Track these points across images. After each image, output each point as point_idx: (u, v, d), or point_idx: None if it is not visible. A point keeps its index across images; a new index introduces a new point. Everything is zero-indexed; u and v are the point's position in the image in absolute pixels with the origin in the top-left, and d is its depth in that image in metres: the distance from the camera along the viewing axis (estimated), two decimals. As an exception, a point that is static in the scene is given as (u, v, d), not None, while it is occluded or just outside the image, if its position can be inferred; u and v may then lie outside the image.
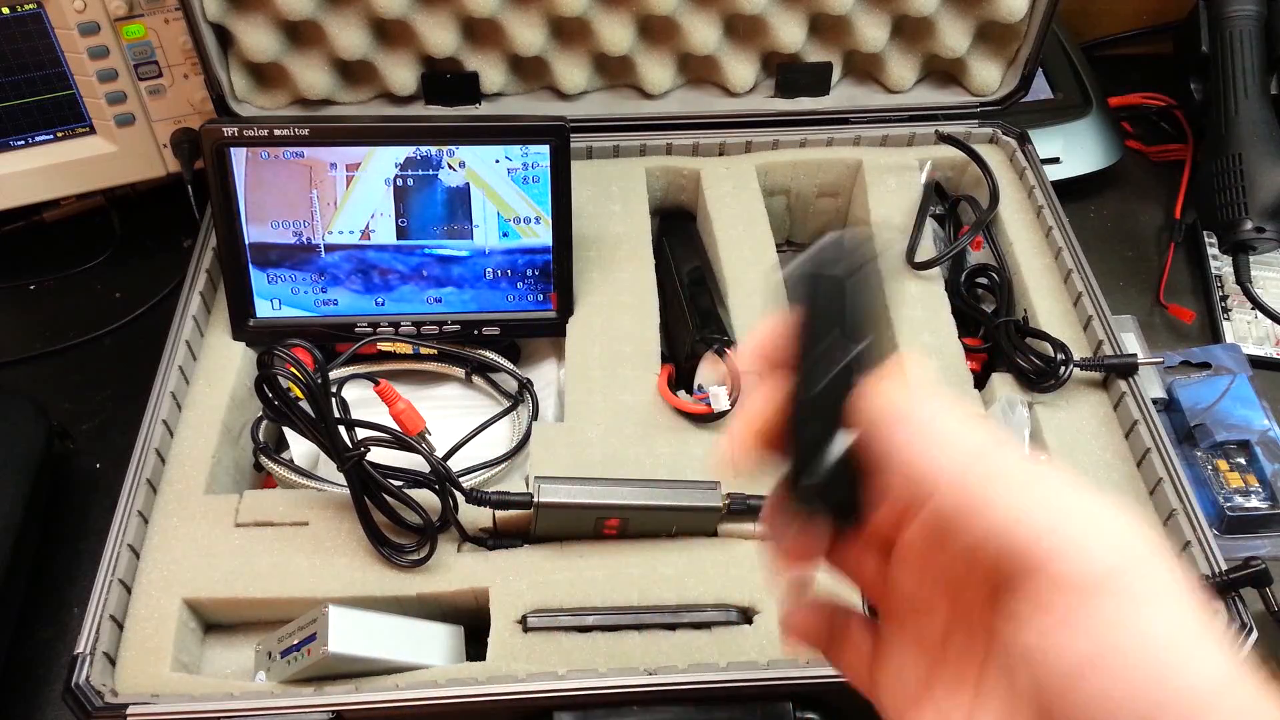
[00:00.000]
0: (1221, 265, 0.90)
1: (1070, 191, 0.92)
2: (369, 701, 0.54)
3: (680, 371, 0.71)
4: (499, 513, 0.61)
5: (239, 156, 0.68)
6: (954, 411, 0.31)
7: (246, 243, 0.70)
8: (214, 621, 0.62)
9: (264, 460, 0.66)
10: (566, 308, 0.73)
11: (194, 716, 0.53)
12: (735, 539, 0.62)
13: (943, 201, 0.84)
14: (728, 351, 0.69)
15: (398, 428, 0.62)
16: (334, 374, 0.68)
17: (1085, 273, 0.74)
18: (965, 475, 0.29)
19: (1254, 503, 0.71)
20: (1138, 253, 0.94)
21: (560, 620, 0.58)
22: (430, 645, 0.58)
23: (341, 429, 0.58)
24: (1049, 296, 0.74)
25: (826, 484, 0.33)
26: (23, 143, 0.84)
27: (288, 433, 0.68)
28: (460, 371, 0.74)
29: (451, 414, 0.72)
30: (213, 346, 0.72)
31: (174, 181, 0.87)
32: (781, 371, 0.33)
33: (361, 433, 0.59)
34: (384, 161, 0.69)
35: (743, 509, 0.61)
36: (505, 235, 0.71)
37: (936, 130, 0.84)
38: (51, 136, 0.84)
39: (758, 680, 0.54)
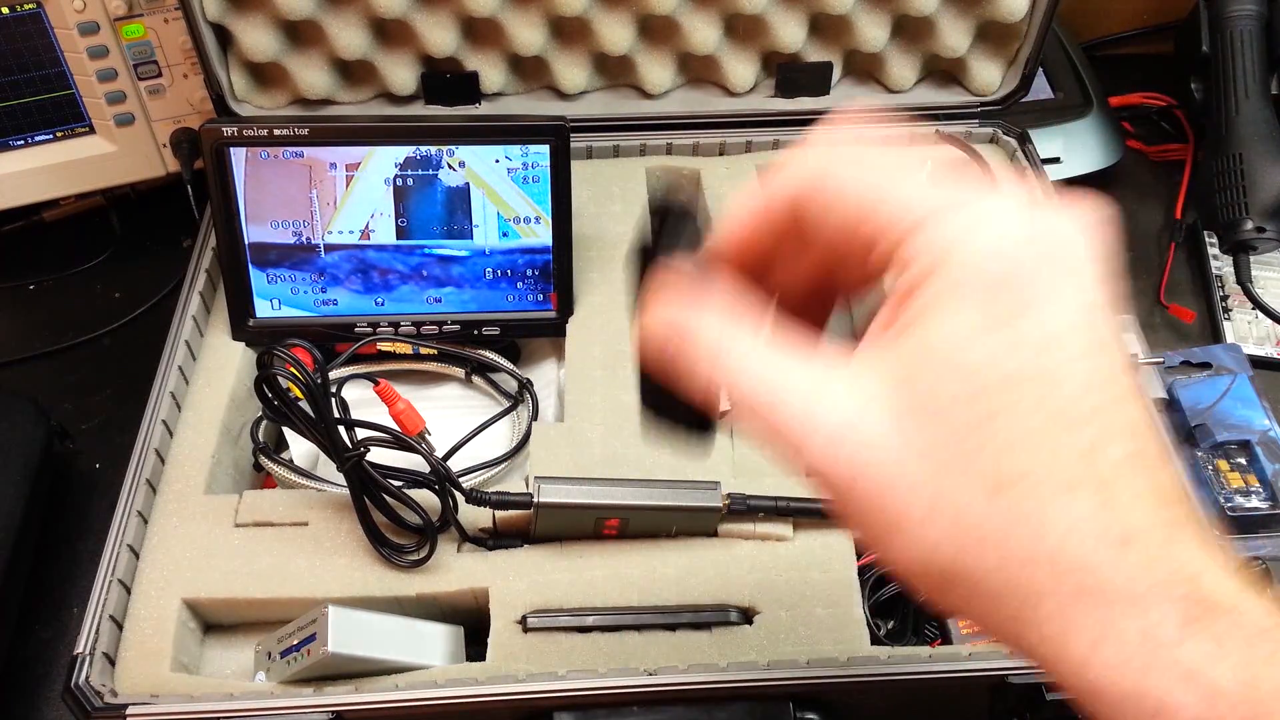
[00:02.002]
0: (1222, 265, 0.90)
1: (1071, 192, 0.92)
2: (369, 701, 0.54)
3: (680, 371, 0.71)
4: (499, 513, 0.61)
5: (238, 156, 0.68)
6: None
7: (246, 243, 0.70)
8: (214, 622, 0.62)
9: (264, 460, 0.66)
10: (566, 308, 0.73)
11: (194, 716, 0.53)
12: (735, 539, 0.62)
13: (943, 201, 0.84)
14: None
15: (397, 428, 0.62)
16: (334, 374, 0.68)
17: (1085, 273, 0.73)
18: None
19: (1254, 503, 0.71)
20: (1138, 253, 0.94)
21: (560, 620, 0.58)
22: (430, 645, 0.58)
23: (341, 429, 0.58)
24: (1049, 296, 0.74)
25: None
26: (22, 143, 0.84)
27: (287, 433, 0.68)
28: (460, 371, 0.74)
29: (451, 414, 0.72)
30: (213, 346, 0.72)
31: (174, 181, 0.87)
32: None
33: (361, 433, 0.59)
34: (384, 161, 0.69)
35: (743, 509, 0.60)
36: (505, 235, 0.71)
37: (937, 130, 0.84)
38: (51, 136, 0.84)
39: (758, 680, 0.54)
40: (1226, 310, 0.87)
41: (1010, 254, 0.26)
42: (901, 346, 0.26)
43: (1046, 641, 0.25)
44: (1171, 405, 0.77)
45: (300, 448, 0.68)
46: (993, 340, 0.25)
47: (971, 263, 0.26)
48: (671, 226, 0.33)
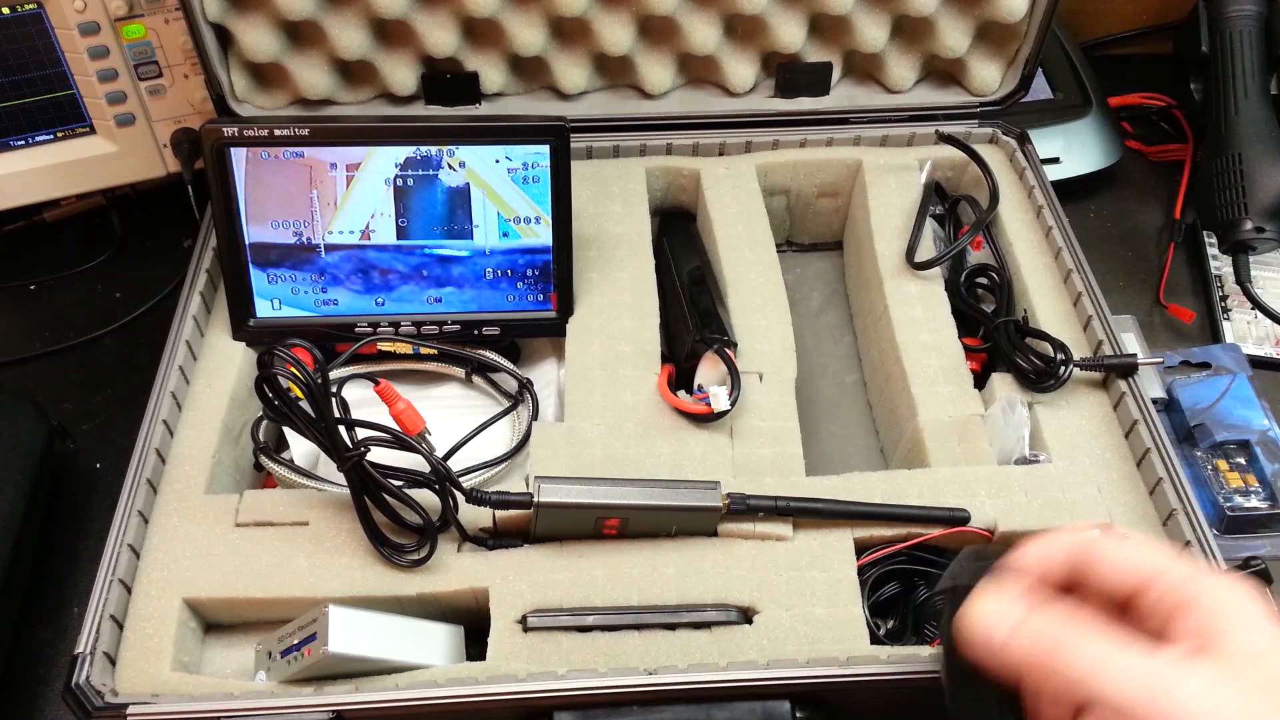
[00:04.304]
0: (1221, 265, 0.90)
1: (1070, 191, 0.92)
2: (369, 701, 0.54)
3: (680, 371, 0.71)
4: (499, 513, 0.61)
5: (239, 156, 0.68)
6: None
7: (246, 243, 0.70)
8: (214, 621, 0.62)
9: (264, 460, 0.66)
10: (566, 308, 0.73)
11: (194, 716, 0.53)
12: (735, 539, 0.62)
13: (943, 201, 0.84)
14: (728, 351, 0.69)
15: (398, 428, 0.62)
16: (334, 374, 0.68)
17: (1085, 273, 0.74)
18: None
19: (1254, 503, 0.71)
20: (1138, 253, 0.94)
21: (560, 620, 0.58)
22: (430, 645, 0.58)
23: (341, 429, 0.58)
24: (1049, 296, 0.74)
25: None
26: (23, 143, 0.84)
27: (288, 433, 0.68)
28: (460, 371, 0.74)
29: (451, 414, 0.72)
30: (213, 346, 0.72)
31: (174, 181, 0.87)
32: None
33: (361, 433, 0.59)
34: (384, 161, 0.69)
35: (743, 509, 0.61)
36: (505, 235, 0.71)
37: (936, 130, 0.84)
38: (51, 136, 0.84)
39: (757, 680, 0.54)
40: (1226, 310, 0.87)
41: (1272, 622, 0.39)
42: (1246, 672, 0.37)
43: None
44: (1171, 405, 0.77)
45: (300, 448, 0.69)
46: None
47: (1254, 621, 0.38)
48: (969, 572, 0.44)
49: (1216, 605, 0.39)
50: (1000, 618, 0.41)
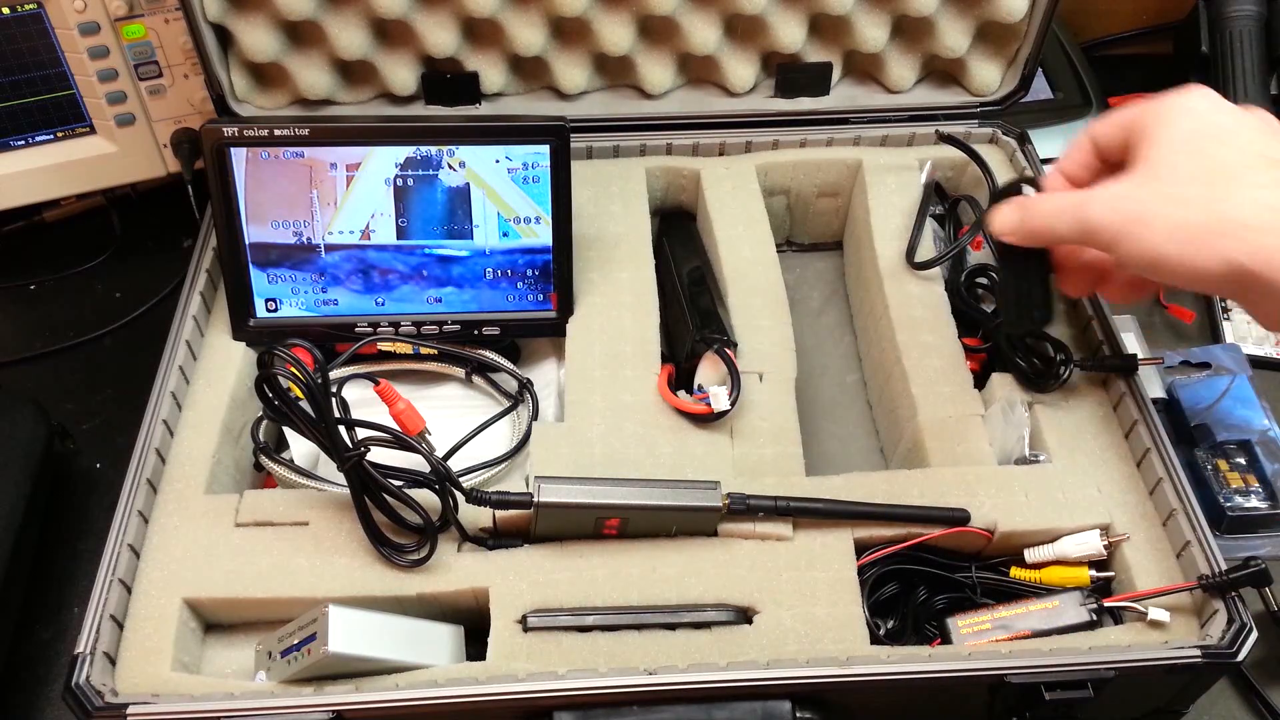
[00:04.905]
0: (1221, 265, 0.89)
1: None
2: (369, 701, 0.54)
3: (680, 371, 0.71)
4: (499, 513, 0.61)
5: (239, 156, 0.68)
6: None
7: (246, 243, 0.70)
8: (214, 621, 0.62)
9: (264, 460, 0.66)
10: (566, 308, 0.73)
11: (194, 716, 0.53)
12: (735, 539, 0.62)
13: (943, 201, 0.84)
14: (728, 351, 0.69)
15: (398, 428, 0.62)
16: (334, 374, 0.68)
17: (1085, 273, 0.74)
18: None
19: (1254, 503, 0.71)
20: (1138, 253, 0.94)
21: (560, 620, 0.58)
22: (430, 645, 0.59)
23: (341, 429, 0.58)
24: (1049, 296, 0.74)
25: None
26: (23, 143, 0.84)
27: (288, 433, 0.68)
28: (460, 371, 0.74)
29: (451, 414, 0.72)
30: (213, 346, 0.72)
31: (174, 181, 0.87)
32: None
33: (361, 433, 0.59)
34: (384, 161, 0.69)
35: (743, 509, 0.61)
36: (505, 235, 0.71)
37: (936, 130, 0.84)
38: (51, 136, 0.84)
39: (757, 680, 0.54)
40: (1226, 310, 0.87)
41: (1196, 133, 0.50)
42: (1154, 176, 0.50)
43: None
44: (1171, 405, 0.77)
45: (300, 448, 0.69)
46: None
47: (1174, 130, 0.50)
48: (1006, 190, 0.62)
49: (1144, 124, 0.51)
50: (1009, 213, 0.57)
